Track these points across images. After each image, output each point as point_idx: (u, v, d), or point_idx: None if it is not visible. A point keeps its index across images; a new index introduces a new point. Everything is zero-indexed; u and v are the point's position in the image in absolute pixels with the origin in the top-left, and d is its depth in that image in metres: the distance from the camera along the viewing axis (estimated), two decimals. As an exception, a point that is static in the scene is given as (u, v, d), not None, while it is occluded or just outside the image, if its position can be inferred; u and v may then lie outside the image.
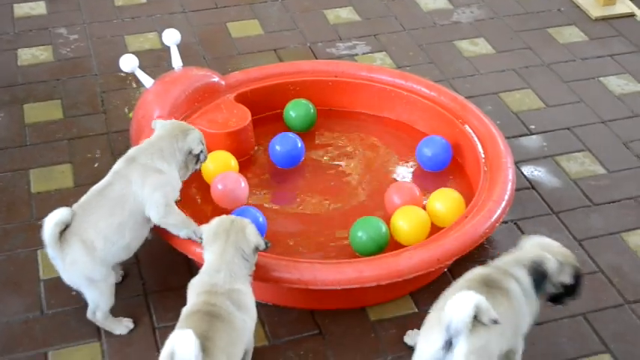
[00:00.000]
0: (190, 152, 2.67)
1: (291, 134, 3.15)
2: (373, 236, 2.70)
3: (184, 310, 2.29)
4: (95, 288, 2.52)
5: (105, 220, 2.50)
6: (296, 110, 3.29)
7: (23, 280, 2.76)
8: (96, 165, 3.22)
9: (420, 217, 2.81)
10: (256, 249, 2.39)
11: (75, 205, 2.54)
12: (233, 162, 3.03)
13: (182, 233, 2.58)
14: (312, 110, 3.29)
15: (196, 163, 2.73)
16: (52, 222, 2.45)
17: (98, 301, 2.54)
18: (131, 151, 2.64)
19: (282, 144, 3.12)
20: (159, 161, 2.59)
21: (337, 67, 3.42)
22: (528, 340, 2.37)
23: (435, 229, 2.82)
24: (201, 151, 2.71)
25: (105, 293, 2.53)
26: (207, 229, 2.42)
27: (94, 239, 2.48)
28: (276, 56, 3.85)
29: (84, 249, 2.47)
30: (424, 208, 2.88)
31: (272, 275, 2.52)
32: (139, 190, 2.54)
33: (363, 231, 2.72)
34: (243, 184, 2.93)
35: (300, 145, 3.12)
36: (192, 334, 2.05)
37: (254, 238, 2.38)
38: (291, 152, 3.12)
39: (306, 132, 3.28)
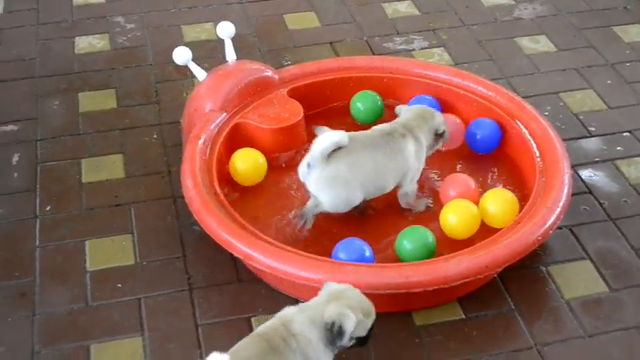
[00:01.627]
0: (436, 132, 2.88)
1: None
2: (420, 246, 2.64)
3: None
4: (335, 200, 2.74)
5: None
6: (363, 102, 3.24)
7: (70, 271, 2.77)
8: (147, 156, 3.21)
9: (471, 211, 2.76)
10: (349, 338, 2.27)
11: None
12: (261, 159, 2.99)
13: (420, 204, 2.87)
14: (379, 102, 3.24)
15: (438, 142, 2.94)
16: (333, 139, 2.67)
17: (328, 206, 2.76)
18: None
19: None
20: (423, 137, 2.85)
21: (392, 63, 3.36)
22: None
23: (487, 229, 2.76)
24: (444, 131, 2.92)
25: (339, 207, 2.77)
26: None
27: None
28: (332, 49, 3.80)
29: (349, 170, 2.70)
30: (479, 199, 2.83)
31: (315, 277, 2.48)
32: (410, 157, 2.80)
33: (409, 240, 2.65)
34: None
35: None
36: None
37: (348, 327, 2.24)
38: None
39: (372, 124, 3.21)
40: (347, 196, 2.75)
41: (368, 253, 2.64)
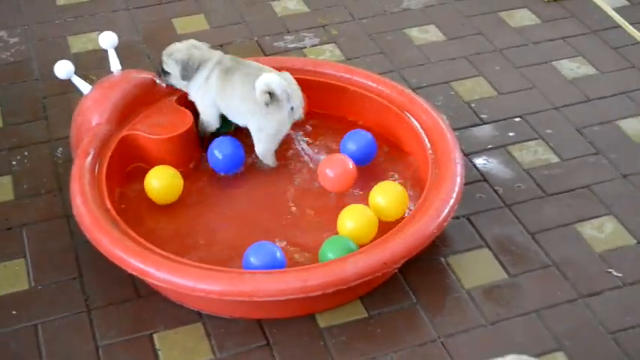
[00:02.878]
0: None
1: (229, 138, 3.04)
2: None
3: None
4: None
5: None
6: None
7: None
8: (37, 175, 3.12)
9: (367, 216, 2.76)
10: None
11: None
12: (177, 177, 2.93)
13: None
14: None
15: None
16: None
17: None
18: None
19: (222, 149, 3.02)
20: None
21: (284, 62, 3.33)
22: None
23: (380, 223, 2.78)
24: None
25: None
26: None
27: None
28: (223, 52, 3.72)
29: None
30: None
31: (214, 288, 2.45)
32: None
33: (333, 252, 2.62)
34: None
35: (240, 148, 3.02)
36: None
37: None
38: (233, 156, 3.02)
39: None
40: None
41: (279, 254, 2.62)
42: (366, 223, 2.73)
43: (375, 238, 2.70)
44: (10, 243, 2.86)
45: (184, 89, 3.07)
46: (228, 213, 2.93)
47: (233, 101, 2.98)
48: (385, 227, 2.72)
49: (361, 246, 2.64)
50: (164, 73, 3.06)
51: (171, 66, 3.02)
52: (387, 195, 2.81)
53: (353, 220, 2.73)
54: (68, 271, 2.76)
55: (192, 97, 3.06)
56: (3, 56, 3.75)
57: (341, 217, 2.76)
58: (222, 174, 3.04)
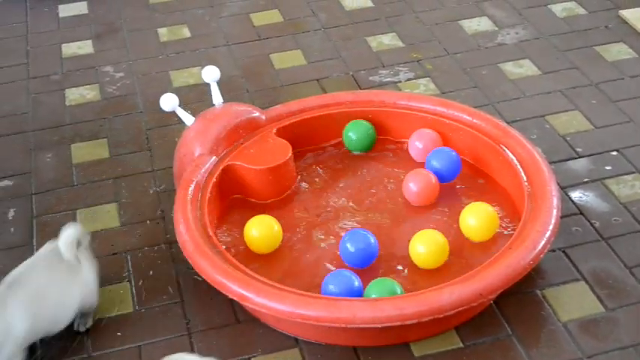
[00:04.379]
0: None
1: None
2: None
3: None
4: None
5: None
6: (355, 132, 3.30)
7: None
8: (140, 203, 3.24)
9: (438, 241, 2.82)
10: None
11: None
12: (276, 227, 2.94)
13: None
14: (370, 131, 3.30)
15: None
16: None
17: None
18: None
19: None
20: None
21: (377, 96, 3.40)
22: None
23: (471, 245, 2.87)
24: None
25: None
26: None
27: None
28: (319, 86, 3.85)
29: None
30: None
31: (310, 315, 2.51)
32: None
33: (378, 293, 2.64)
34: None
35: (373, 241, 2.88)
36: None
37: None
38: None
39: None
40: None
41: (357, 283, 2.67)
42: (436, 250, 2.80)
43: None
44: (115, 268, 2.98)
45: None
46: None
47: None
48: (474, 248, 2.81)
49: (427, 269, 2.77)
50: None
51: None
52: (478, 215, 2.87)
53: (424, 245, 2.80)
54: (170, 295, 2.85)
55: None
56: (109, 90, 3.92)
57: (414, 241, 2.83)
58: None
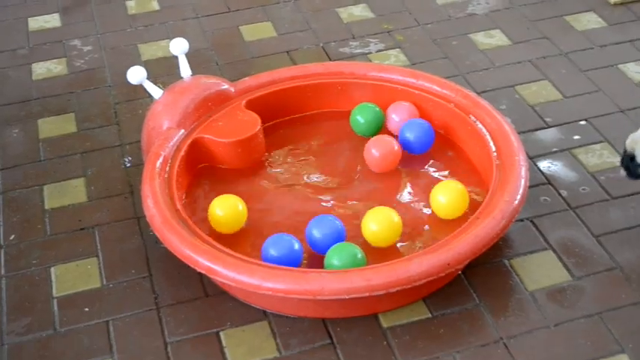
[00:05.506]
0: None
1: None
2: (348, 265, 2.63)
3: None
4: None
5: None
6: (364, 115, 3.24)
7: (37, 299, 2.77)
8: (109, 178, 3.22)
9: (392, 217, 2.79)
10: None
11: None
12: (241, 206, 2.89)
13: None
14: (379, 113, 3.24)
15: None
16: None
17: None
18: None
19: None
20: None
21: (347, 68, 3.39)
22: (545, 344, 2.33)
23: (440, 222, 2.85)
24: None
25: None
26: None
27: None
28: (290, 58, 3.82)
29: None
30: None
31: (280, 287, 2.51)
32: None
33: (338, 259, 2.64)
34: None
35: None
36: None
37: None
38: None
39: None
40: None
41: (297, 246, 2.69)
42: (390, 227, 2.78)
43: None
44: (82, 243, 2.95)
45: None
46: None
47: None
48: (446, 226, 2.78)
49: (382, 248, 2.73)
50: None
51: None
52: (449, 193, 2.85)
53: (377, 223, 2.77)
54: (138, 270, 2.84)
55: None
56: (77, 64, 3.87)
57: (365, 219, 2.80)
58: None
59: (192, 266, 2.64)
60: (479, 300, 2.67)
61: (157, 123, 3.10)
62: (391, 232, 2.78)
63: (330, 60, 3.77)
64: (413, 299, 2.66)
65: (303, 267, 2.72)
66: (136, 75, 3.12)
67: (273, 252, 2.67)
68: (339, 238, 2.75)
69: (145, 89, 3.17)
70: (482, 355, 2.51)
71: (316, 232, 2.74)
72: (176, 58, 3.24)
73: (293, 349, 2.56)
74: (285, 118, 3.34)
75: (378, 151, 3.08)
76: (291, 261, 2.65)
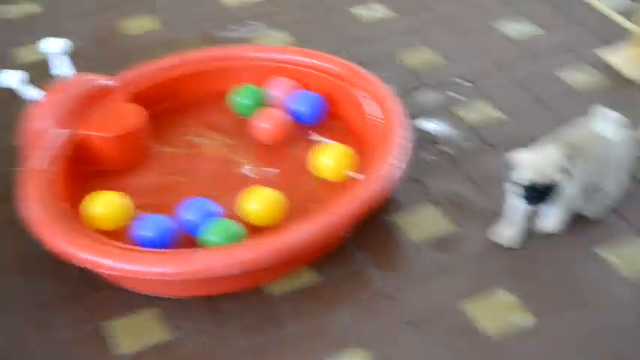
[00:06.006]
0: None
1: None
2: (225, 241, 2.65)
3: None
4: None
5: None
6: (242, 96, 3.27)
7: None
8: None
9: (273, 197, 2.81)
10: None
11: None
12: (118, 201, 2.86)
13: None
14: (258, 92, 3.27)
15: None
16: None
17: None
18: None
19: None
20: None
21: (229, 52, 3.41)
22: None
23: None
24: None
25: None
26: None
27: None
28: (172, 47, 3.78)
29: None
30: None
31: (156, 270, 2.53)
32: None
33: (215, 235, 2.66)
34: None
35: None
36: None
37: None
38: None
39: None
40: None
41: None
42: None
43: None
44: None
45: None
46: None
47: None
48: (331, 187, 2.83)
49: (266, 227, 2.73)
50: None
51: None
52: (333, 156, 2.91)
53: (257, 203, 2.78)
54: (19, 272, 2.78)
55: None
56: None
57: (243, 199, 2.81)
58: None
59: (74, 262, 2.60)
60: (368, 259, 2.71)
61: (37, 124, 3.05)
62: (273, 212, 2.79)
63: (214, 45, 3.75)
64: (304, 265, 2.69)
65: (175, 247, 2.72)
66: (12, 78, 3.08)
67: (145, 232, 2.68)
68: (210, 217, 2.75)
69: (21, 93, 3.11)
70: (371, 309, 2.56)
71: (187, 214, 2.74)
72: (55, 58, 3.20)
73: (182, 330, 2.55)
74: (169, 106, 3.33)
75: (267, 123, 3.12)
76: (163, 240, 2.67)
